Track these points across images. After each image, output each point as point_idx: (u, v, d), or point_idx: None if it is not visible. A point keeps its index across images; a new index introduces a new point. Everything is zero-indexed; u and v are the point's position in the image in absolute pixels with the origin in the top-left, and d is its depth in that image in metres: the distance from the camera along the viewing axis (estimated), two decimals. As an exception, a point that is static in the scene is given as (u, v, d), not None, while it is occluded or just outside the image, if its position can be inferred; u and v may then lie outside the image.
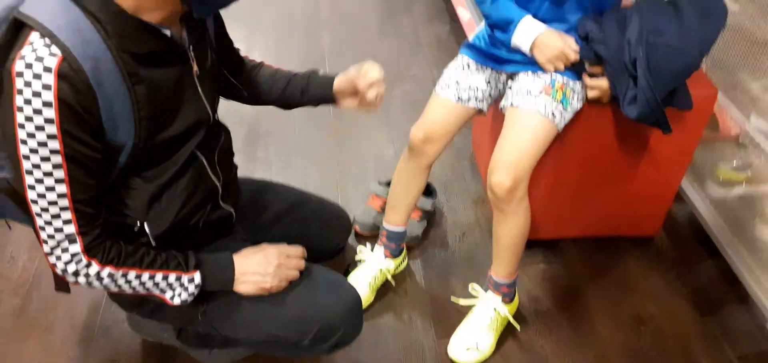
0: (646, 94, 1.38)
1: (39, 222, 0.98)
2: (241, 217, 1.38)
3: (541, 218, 1.75)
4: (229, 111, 2.34)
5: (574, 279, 1.83)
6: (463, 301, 1.66)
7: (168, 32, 1.00)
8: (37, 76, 0.86)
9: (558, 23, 1.50)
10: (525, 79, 1.52)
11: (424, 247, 1.90)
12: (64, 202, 0.96)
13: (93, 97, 0.91)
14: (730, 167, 1.87)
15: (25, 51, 0.87)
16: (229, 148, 1.32)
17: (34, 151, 0.90)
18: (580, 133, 1.59)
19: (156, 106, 1.01)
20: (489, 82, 1.61)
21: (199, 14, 1.04)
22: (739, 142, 1.88)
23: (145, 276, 1.09)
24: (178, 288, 1.13)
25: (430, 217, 1.97)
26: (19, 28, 0.91)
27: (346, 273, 1.73)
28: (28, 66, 0.86)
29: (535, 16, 1.49)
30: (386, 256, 1.72)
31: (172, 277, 1.11)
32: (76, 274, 1.03)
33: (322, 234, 1.54)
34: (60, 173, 0.93)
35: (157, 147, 1.05)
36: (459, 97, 1.59)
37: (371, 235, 1.88)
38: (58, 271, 1.03)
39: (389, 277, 1.73)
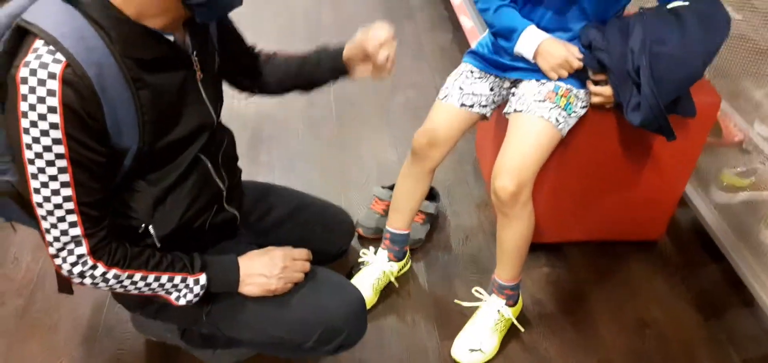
0: (649, 102, 1.38)
1: (44, 225, 0.98)
2: (245, 219, 1.38)
3: (545, 222, 1.75)
4: (232, 115, 2.37)
5: (577, 283, 1.83)
6: (466, 304, 1.66)
7: (171, 38, 1.01)
8: (41, 82, 0.87)
9: (561, 32, 1.50)
10: (529, 86, 1.53)
11: (428, 250, 1.90)
12: (70, 205, 0.96)
13: (97, 102, 0.92)
14: (734, 173, 1.87)
15: (30, 58, 0.88)
16: (234, 151, 1.33)
17: (39, 155, 0.91)
18: (584, 138, 1.60)
19: (160, 111, 1.02)
20: (492, 89, 1.61)
21: (202, 19, 1.05)
22: (743, 148, 1.88)
23: (151, 277, 1.09)
24: (184, 289, 1.13)
25: (434, 221, 1.98)
26: (22, 35, 0.92)
27: (350, 275, 1.73)
28: (33, 72, 0.87)
29: (538, 25, 1.50)
30: (390, 259, 1.72)
31: (177, 278, 1.12)
32: (82, 275, 1.03)
33: (326, 237, 1.54)
34: (65, 177, 0.94)
35: (161, 151, 1.05)
36: (462, 103, 1.59)
37: (374, 238, 1.88)
38: (64, 273, 1.03)
39: (393, 280, 1.73)
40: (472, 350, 1.57)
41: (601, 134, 1.63)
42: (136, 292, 1.10)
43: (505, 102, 1.63)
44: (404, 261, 1.77)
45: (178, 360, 1.53)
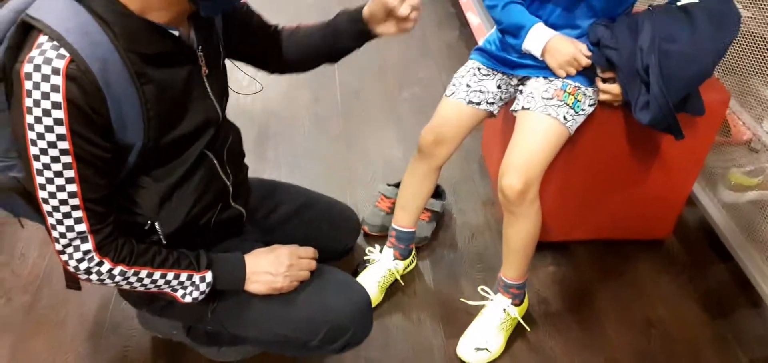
0: (658, 101, 1.37)
1: (50, 221, 0.98)
2: (252, 217, 1.38)
3: (552, 221, 1.74)
4: (238, 112, 2.37)
5: (584, 282, 1.83)
6: (472, 302, 1.66)
7: (176, 32, 1.01)
8: (45, 78, 0.87)
9: (569, 29, 1.49)
10: (536, 84, 1.52)
11: (433, 249, 1.89)
12: (75, 202, 0.96)
13: (101, 97, 0.91)
14: (742, 172, 1.86)
15: (34, 53, 0.88)
16: (240, 148, 1.33)
17: (43, 151, 0.91)
18: (592, 136, 1.59)
19: (165, 106, 1.01)
20: (500, 86, 1.61)
21: (207, 13, 1.04)
22: (751, 147, 1.87)
23: (157, 274, 1.09)
24: (190, 287, 1.13)
25: (439, 219, 1.97)
26: (27, 30, 0.91)
27: (355, 273, 1.73)
28: (37, 68, 0.87)
29: (546, 22, 1.49)
30: (395, 257, 1.72)
31: (183, 275, 1.12)
32: (88, 271, 1.04)
33: (331, 234, 1.54)
34: (70, 173, 0.94)
35: (167, 146, 1.05)
36: (470, 100, 1.58)
37: (380, 236, 1.88)
38: (71, 269, 1.04)
39: (398, 278, 1.73)
40: (477, 349, 1.57)
41: (608, 132, 1.62)
42: (142, 289, 1.10)
43: (512, 99, 1.62)
44: (410, 259, 1.77)
45: (184, 357, 1.53)
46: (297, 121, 2.40)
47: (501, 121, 1.90)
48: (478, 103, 1.59)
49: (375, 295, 1.66)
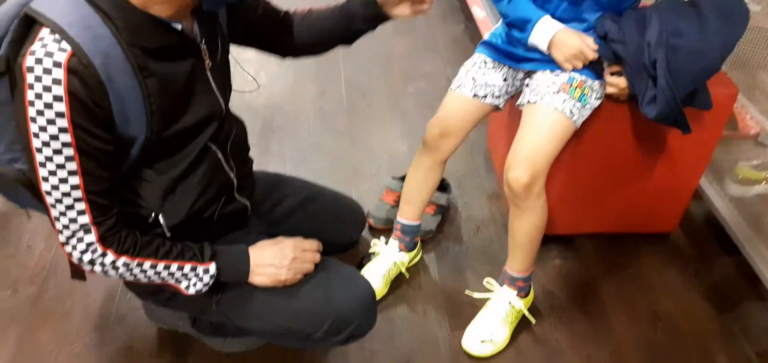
0: (665, 95, 1.36)
1: (54, 213, 0.99)
2: (256, 209, 1.38)
3: (557, 214, 1.74)
4: (243, 106, 2.37)
5: (589, 275, 1.82)
6: (477, 295, 1.66)
7: (179, 26, 1.00)
8: (47, 71, 0.88)
9: (576, 23, 1.49)
10: (543, 77, 1.51)
11: (438, 241, 1.89)
12: (78, 194, 0.97)
13: (103, 91, 0.92)
14: (749, 166, 1.85)
15: (36, 47, 0.88)
16: (245, 141, 1.32)
17: (46, 144, 0.92)
18: (598, 129, 1.58)
19: (167, 100, 1.01)
20: (506, 80, 1.60)
21: (209, 7, 1.04)
22: (759, 141, 1.86)
23: (161, 266, 1.09)
24: (193, 278, 1.13)
25: (445, 212, 1.97)
26: (30, 24, 0.92)
27: (361, 266, 1.73)
28: (39, 61, 0.88)
29: (553, 15, 1.48)
30: (400, 250, 1.72)
31: (187, 267, 1.12)
32: (91, 262, 1.04)
33: (336, 227, 1.54)
34: (72, 165, 0.94)
35: (170, 140, 1.05)
36: (475, 94, 1.58)
37: (385, 229, 1.88)
38: (74, 260, 1.04)
39: (403, 271, 1.73)
40: (482, 341, 1.56)
41: (615, 126, 1.61)
42: (145, 280, 1.11)
43: (518, 93, 1.62)
44: (415, 252, 1.77)
45: (190, 348, 1.54)
46: (302, 115, 2.40)
47: (507, 114, 1.89)
48: (484, 97, 1.58)
49: (380, 287, 1.67)
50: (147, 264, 1.08)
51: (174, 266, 1.11)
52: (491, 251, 1.87)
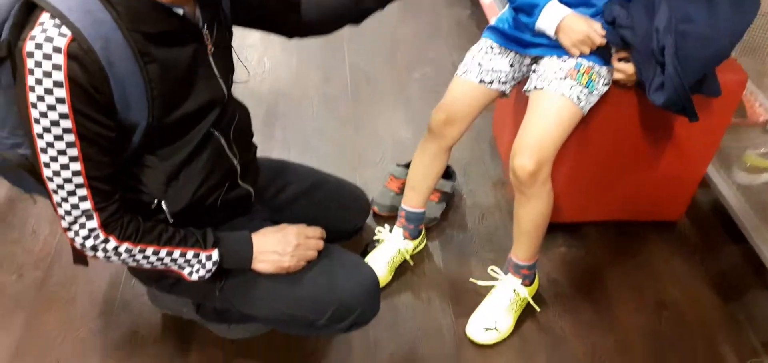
0: (673, 82, 1.35)
1: (55, 198, 0.99)
2: (260, 196, 1.38)
3: (563, 201, 1.73)
4: (247, 92, 2.36)
5: (595, 263, 1.81)
6: (482, 283, 1.65)
7: (180, 11, 0.99)
8: (47, 57, 0.87)
9: (584, 7, 1.47)
10: (550, 63, 1.50)
11: (443, 229, 1.89)
12: (79, 180, 0.97)
13: (104, 76, 0.91)
14: (757, 154, 1.84)
15: (36, 31, 0.88)
16: (248, 127, 1.32)
17: (47, 129, 0.91)
18: (605, 116, 1.56)
19: (169, 85, 1.01)
20: (512, 65, 1.58)
21: None
22: (767, 129, 1.84)
23: (163, 252, 1.09)
24: (196, 265, 1.13)
25: (449, 199, 1.96)
26: (31, 8, 0.91)
27: (365, 253, 1.73)
28: (38, 46, 0.87)
29: (560, 0, 1.47)
30: (405, 237, 1.71)
31: (189, 254, 1.12)
32: (94, 248, 1.04)
33: (341, 215, 1.54)
34: (74, 151, 0.94)
35: (171, 126, 1.04)
36: (481, 79, 1.57)
37: (389, 216, 1.87)
38: (77, 246, 1.04)
39: (407, 258, 1.72)
40: (487, 329, 1.56)
41: (622, 113, 1.60)
42: (148, 266, 1.10)
43: (525, 79, 1.60)
44: (419, 239, 1.76)
45: (194, 334, 1.54)
46: (306, 101, 2.39)
47: (513, 101, 1.88)
48: (490, 83, 1.57)
49: (384, 275, 1.66)
50: (149, 250, 1.08)
51: (176, 253, 1.10)
52: (496, 239, 1.86)
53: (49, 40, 0.87)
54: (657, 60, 1.38)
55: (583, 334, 1.61)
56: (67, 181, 0.96)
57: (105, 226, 1.02)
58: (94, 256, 1.06)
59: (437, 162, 1.65)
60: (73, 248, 1.08)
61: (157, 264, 1.10)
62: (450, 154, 1.66)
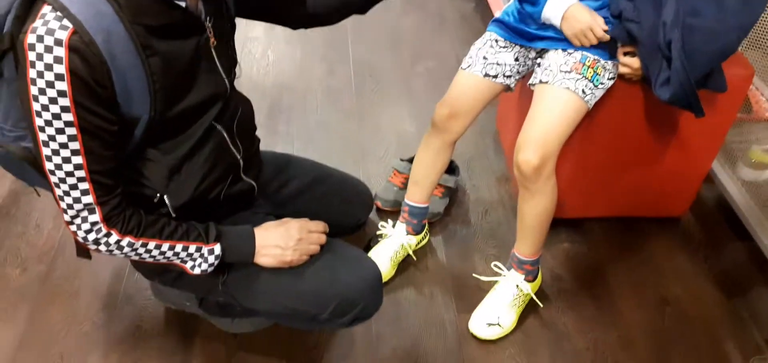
0: (680, 77, 1.34)
1: (58, 192, 0.99)
2: (263, 190, 1.38)
3: (567, 197, 1.72)
4: (251, 85, 2.36)
5: (598, 259, 1.81)
6: (485, 278, 1.65)
7: (183, 3, 0.99)
8: (48, 49, 0.87)
9: (590, 0, 1.46)
10: (555, 57, 1.49)
11: (446, 224, 1.88)
12: (81, 173, 0.97)
13: (106, 70, 0.91)
14: (763, 149, 1.83)
15: (37, 24, 0.87)
16: (251, 121, 1.31)
17: (48, 123, 0.91)
18: (610, 111, 1.56)
19: (171, 79, 1.00)
20: (517, 59, 1.58)
21: None
22: (773, 124, 1.83)
23: (166, 246, 1.09)
24: (199, 259, 1.13)
25: (453, 194, 1.96)
26: (33, 1, 0.91)
27: (368, 248, 1.73)
28: (40, 39, 0.87)
29: None
30: (408, 232, 1.71)
31: (192, 247, 1.12)
32: (96, 242, 1.04)
33: (344, 209, 1.54)
34: (75, 145, 0.94)
35: (174, 119, 1.04)
36: (486, 73, 1.56)
37: (393, 211, 1.87)
38: (80, 240, 1.04)
39: (411, 253, 1.72)
40: (489, 324, 1.56)
41: (627, 108, 1.59)
42: (151, 260, 1.11)
43: (529, 73, 1.59)
44: (422, 234, 1.76)
45: (198, 328, 1.55)
46: (310, 95, 2.38)
47: (517, 95, 1.87)
48: (495, 76, 1.56)
49: (387, 269, 1.66)
50: (152, 244, 1.08)
51: (179, 247, 1.11)
52: (499, 234, 1.86)
53: (51, 32, 0.87)
54: (663, 54, 1.37)
55: (586, 330, 1.61)
56: (69, 174, 0.96)
57: (107, 219, 1.02)
58: (97, 250, 1.06)
59: (441, 157, 1.65)
60: (76, 242, 1.08)
61: (160, 258, 1.11)
62: (454, 148, 1.66)
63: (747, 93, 1.64)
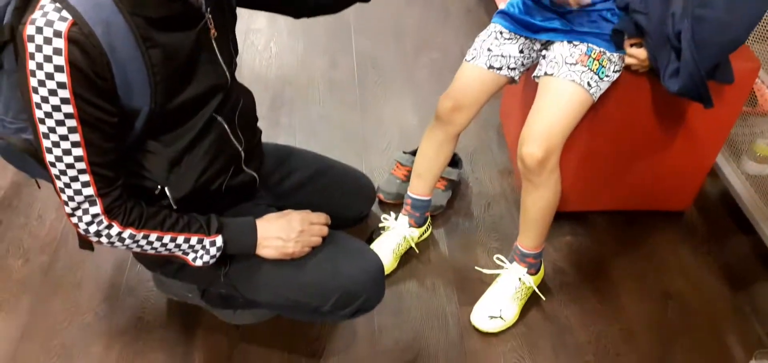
0: (689, 68, 1.33)
1: (58, 184, 0.98)
2: (265, 182, 1.37)
3: (570, 190, 1.71)
4: (253, 77, 2.35)
5: (601, 252, 1.80)
6: (487, 271, 1.65)
7: None
8: (47, 41, 0.86)
9: None
10: (560, 49, 1.48)
11: (449, 217, 1.88)
12: (82, 165, 0.96)
13: (105, 61, 0.90)
14: (767, 143, 1.82)
15: (36, 15, 0.87)
16: (253, 112, 1.31)
17: (48, 115, 0.91)
18: (615, 104, 1.55)
19: (172, 71, 1.00)
20: (522, 51, 1.57)
21: None
22: (778, 117, 1.82)
23: (167, 238, 1.09)
24: (200, 250, 1.13)
25: (455, 187, 1.95)
26: None
27: (370, 240, 1.73)
28: (39, 30, 0.86)
29: None
30: (410, 225, 1.71)
31: (193, 239, 1.12)
32: (97, 234, 1.04)
33: (346, 202, 1.53)
34: (75, 137, 0.93)
35: (174, 111, 1.04)
36: (491, 65, 1.55)
37: (395, 204, 1.87)
38: (81, 232, 1.04)
39: (413, 245, 1.72)
40: (491, 317, 1.56)
41: (633, 100, 1.58)
42: (152, 252, 1.10)
43: (534, 65, 1.59)
44: (425, 227, 1.76)
45: (200, 319, 1.55)
46: (312, 87, 2.38)
47: (521, 87, 1.86)
48: (499, 68, 1.55)
49: (389, 262, 1.66)
50: (153, 236, 1.07)
51: (180, 238, 1.10)
52: (502, 227, 1.85)
53: (50, 23, 0.86)
54: (672, 45, 1.36)
55: (588, 323, 1.61)
56: (70, 166, 0.96)
57: (108, 211, 1.02)
58: (98, 242, 1.06)
59: (444, 149, 1.64)
60: (78, 233, 1.08)
61: (161, 250, 1.10)
62: (457, 141, 1.65)
63: (753, 86, 1.63)
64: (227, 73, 1.14)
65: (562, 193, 1.50)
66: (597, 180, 1.77)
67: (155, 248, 1.09)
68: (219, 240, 1.14)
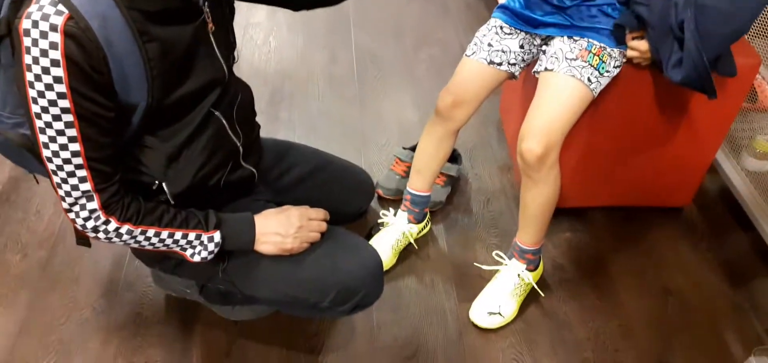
0: (693, 58, 1.32)
1: (55, 179, 0.98)
2: (264, 177, 1.37)
3: (570, 186, 1.71)
4: (252, 72, 2.34)
5: (600, 248, 1.80)
6: (486, 267, 1.65)
7: None
8: (43, 35, 0.85)
9: None
10: (560, 44, 1.47)
11: (448, 213, 1.87)
12: (79, 161, 0.96)
13: (102, 56, 0.89)
14: (767, 139, 1.81)
15: (32, 9, 0.86)
16: (251, 107, 1.30)
17: (45, 109, 0.90)
18: (615, 99, 1.54)
19: (169, 65, 0.99)
20: (522, 46, 1.56)
21: None
22: (778, 113, 1.82)
23: (165, 234, 1.09)
24: (198, 246, 1.13)
25: (455, 183, 1.95)
26: None
27: (369, 236, 1.72)
28: (35, 24, 0.85)
29: None
30: (409, 221, 1.71)
31: (191, 235, 1.11)
32: (95, 230, 1.04)
33: (345, 197, 1.53)
34: (72, 132, 0.93)
35: (172, 106, 1.03)
36: (491, 61, 1.54)
37: (394, 200, 1.86)
38: (78, 227, 1.04)
39: (412, 241, 1.72)
40: (490, 313, 1.56)
41: (633, 95, 1.57)
42: (150, 247, 1.10)
43: (534, 61, 1.58)
44: (424, 223, 1.75)
45: (198, 315, 1.55)
46: (312, 82, 2.37)
47: (521, 83, 1.86)
48: (500, 64, 1.54)
49: (389, 258, 1.66)
50: (151, 231, 1.07)
51: (178, 234, 1.10)
52: (501, 223, 1.85)
53: (46, 17, 0.85)
54: (675, 36, 1.35)
55: (587, 320, 1.60)
56: (67, 161, 0.95)
57: (106, 207, 1.01)
58: (96, 237, 1.05)
59: (444, 145, 1.63)
60: (76, 229, 1.07)
61: (159, 245, 1.10)
62: (457, 137, 1.64)
63: (753, 82, 1.63)
64: (225, 68, 1.13)
65: (562, 189, 1.50)
66: (596, 176, 1.76)
67: (153, 244, 1.09)
68: (217, 236, 1.14)
